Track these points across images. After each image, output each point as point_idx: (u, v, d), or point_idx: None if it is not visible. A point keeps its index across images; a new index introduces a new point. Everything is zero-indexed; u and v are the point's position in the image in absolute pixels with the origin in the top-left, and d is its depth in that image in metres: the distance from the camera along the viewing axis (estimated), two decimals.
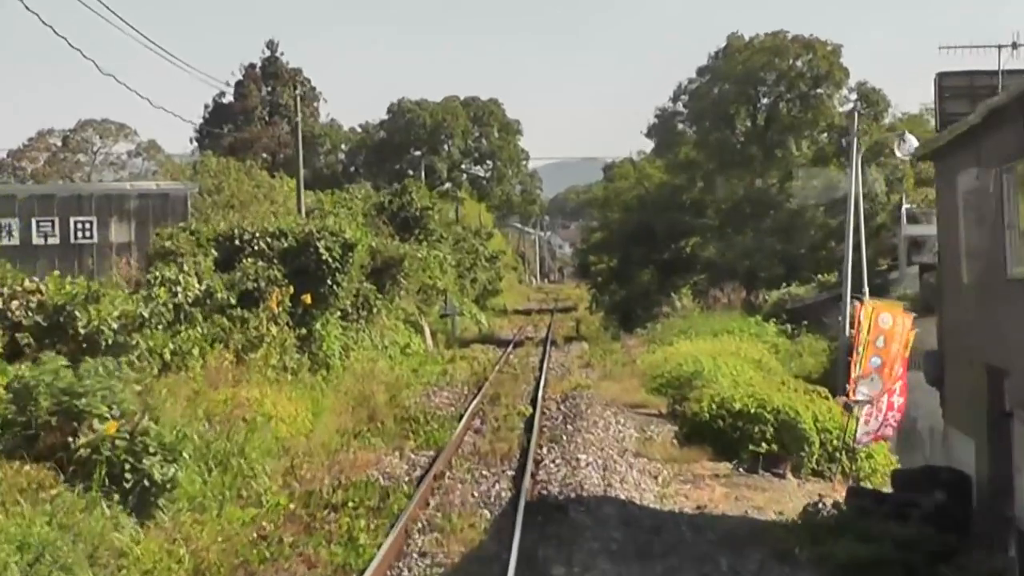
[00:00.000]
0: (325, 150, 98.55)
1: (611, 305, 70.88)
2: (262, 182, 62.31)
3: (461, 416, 30.54)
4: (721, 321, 47.94)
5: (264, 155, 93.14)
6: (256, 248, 36.88)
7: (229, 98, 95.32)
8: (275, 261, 36.35)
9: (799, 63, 61.55)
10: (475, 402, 33.33)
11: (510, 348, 55.64)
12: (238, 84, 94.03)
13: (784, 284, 54.54)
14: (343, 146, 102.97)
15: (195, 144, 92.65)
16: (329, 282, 36.81)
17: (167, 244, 38.30)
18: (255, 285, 35.00)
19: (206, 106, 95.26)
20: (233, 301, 30.33)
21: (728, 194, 62.62)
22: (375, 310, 43.42)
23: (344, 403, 31.45)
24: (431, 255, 53.95)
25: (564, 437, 27.14)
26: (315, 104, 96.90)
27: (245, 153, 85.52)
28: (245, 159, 77.34)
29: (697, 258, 64.19)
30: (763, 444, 24.89)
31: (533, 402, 33.49)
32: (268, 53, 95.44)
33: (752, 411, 25.53)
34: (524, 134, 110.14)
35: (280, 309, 34.68)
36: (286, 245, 37.07)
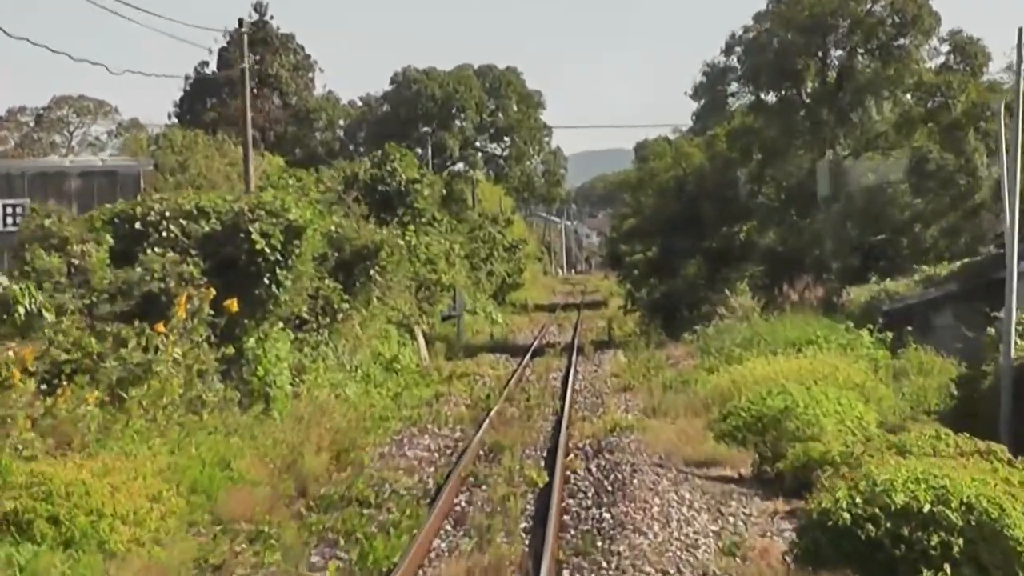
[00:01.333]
0: (321, 126, 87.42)
1: (650, 303, 59.79)
2: (237, 160, 51.85)
3: (438, 490, 19.77)
4: (797, 327, 36.92)
5: (253, 132, 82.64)
6: (165, 234, 26.49)
7: (213, 68, 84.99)
8: (192, 252, 26.04)
9: (879, 7, 50.27)
10: (465, 459, 22.53)
11: (526, 359, 44.84)
12: (222, 52, 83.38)
13: (873, 277, 43.31)
14: (341, 122, 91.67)
15: (175, 120, 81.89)
16: (267, 280, 26.49)
17: (46, 225, 27.94)
18: (161, 286, 24.67)
19: (187, 77, 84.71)
20: (50, 316, 19.67)
21: (793, 168, 51.51)
22: (340, 316, 32.81)
23: (266, 465, 20.81)
24: (422, 242, 43.13)
25: (598, 543, 16.26)
26: (310, 75, 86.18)
27: (231, 130, 75.08)
28: (229, 135, 67.73)
29: (754, 246, 53.11)
30: (949, 568, 13.95)
31: (551, 456, 22.82)
32: (256, 17, 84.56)
33: (927, 508, 14.57)
34: (547, 107, 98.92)
35: (194, 320, 24.38)
36: (207, 229, 26.66)
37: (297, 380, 30.11)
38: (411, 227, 42.39)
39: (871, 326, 34.58)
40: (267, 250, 26.24)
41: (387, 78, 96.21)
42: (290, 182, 33.28)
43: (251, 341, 26.99)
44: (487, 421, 27.50)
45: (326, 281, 32.31)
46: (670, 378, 34.81)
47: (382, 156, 43.69)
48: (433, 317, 54.13)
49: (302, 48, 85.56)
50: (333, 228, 31.76)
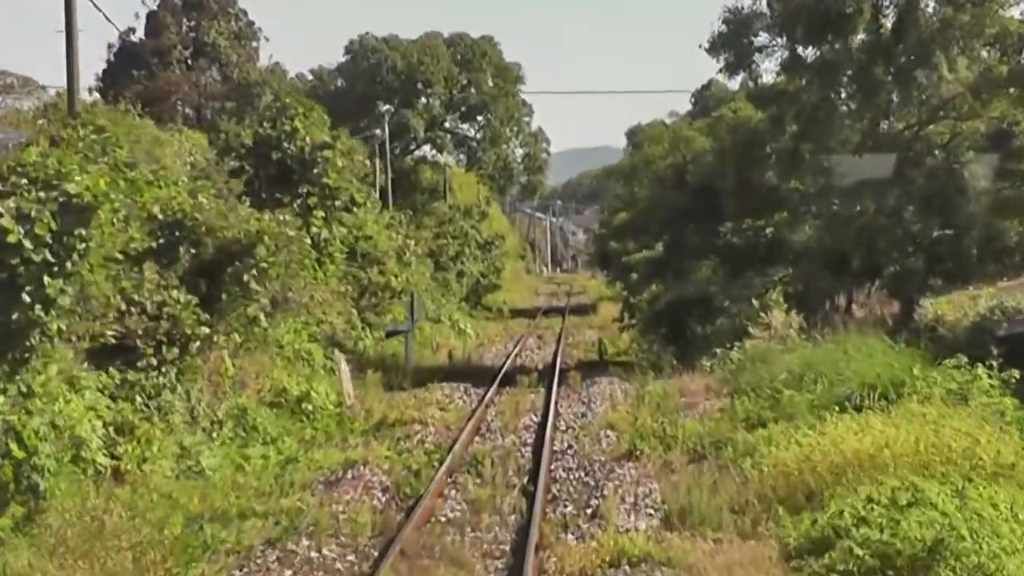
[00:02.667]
0: (266, 102, 75.61)
1: (652, 314, 48.35)
2: (144, 136, 40.93)
3: None
4: (873, 358, 25.66)
5: (186, 110, 71.46)
6: None
7: (141, 35, 73.56)
8: None
9: None
10: None
11: (491, 391, 33.64)
12: (150, 17, 72.13)
13: (955, 284, 32.38)
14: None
15: (97, 95, 70.34)
16: (27, 297, 15.58)
17: None
18: None
19: (110, 46, 73.08)
20: None
21: (837, 143, 40.12)
22: (197, 345, 21.72)
23: None
24: (336, 234, 31.88)
25: None
26: (253, 44, 74.49)
27: (160, 106, 63.84)
28: (157, 110, 56.89)
29: (784, 243, 41.82)
30: None
31: None
32: None
33: None
34: (526, 82, 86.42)
35: None
36: None
37: (121, 449, 19.23)
38: (318, 212, 31.01)
39: (991, 361, 23.27)
40: (28, 245, 15.42)
41: (342, 48, 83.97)
42: (82, 134, 21.94)
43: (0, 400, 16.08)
44: (402, 534, 16.37)
45: (174, 293, 21.21)
46: (694, 434, 23.53)
47: (278, 111, 32.42)
48: (379, 330, 43.13)
49: (244, 14, 73.96)
50: (163, 209, 20.56)
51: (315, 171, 31.12)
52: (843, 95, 40.79)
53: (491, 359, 47.22)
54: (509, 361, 44.37)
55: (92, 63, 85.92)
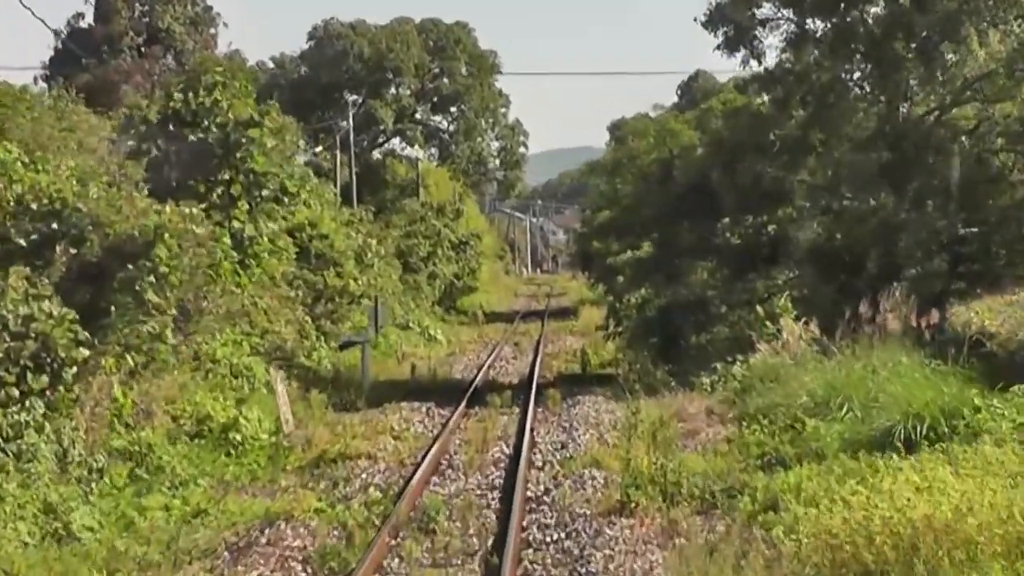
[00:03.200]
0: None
1: (641, 322, 43.81)
2: (78, 124, 36.33)
3: None
4: (910, 380, 21.11)
5: (139, 98, 66.64)
6: None
7: (90, 21, 68.98)
8: None
9: None
10: None
11: (457, 413, 29.10)
12: (100, 1, 67.53)
13: (980, 287, 28.22)
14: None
15: (42, 85, 65.64)
16: None
17: None
18: None
19: (57, 33, 68.37)
20: None
21: (850, 128, 35.69)
22: (74, 372, 17.13)
23: None
24: (263, 231, 27.22)
25: None
26: (211, 30, 69.89)
27: (109, 96, 59.18)
28: (107, 106, 52.08)
29: (791, 242, 37.30)
30: None
31: None
32: None
33: None
34: (503, 69, 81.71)
35: None
36: None
37: None
38: (241, 203, 26.35)
39: None
40: None
41: (305, 33, 78.97)
42: None
43: None
44: None
45: (45, 304, 16.64)
46: (699, 474, 19.00)
47: (189, 79, 27.78)
48: (337, 340, 38.68)
49: None
50: (35, 198, 16.02)
51: (238, 154, 26.41)
52: (856, 75, 36.33)
53: (461, 371, 42.72)
54: (480, 374, 39.88)
55: (41, 52, 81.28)
